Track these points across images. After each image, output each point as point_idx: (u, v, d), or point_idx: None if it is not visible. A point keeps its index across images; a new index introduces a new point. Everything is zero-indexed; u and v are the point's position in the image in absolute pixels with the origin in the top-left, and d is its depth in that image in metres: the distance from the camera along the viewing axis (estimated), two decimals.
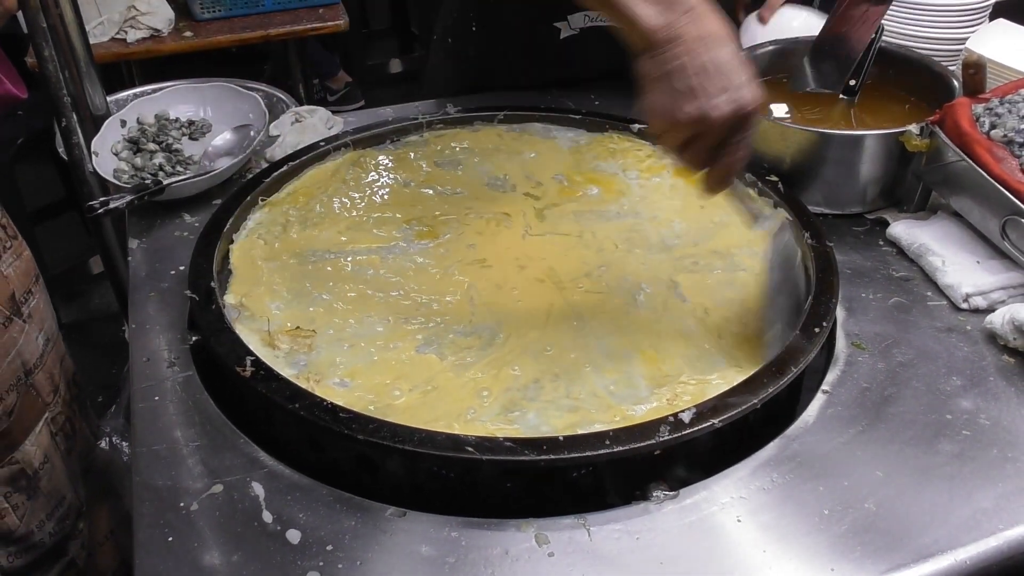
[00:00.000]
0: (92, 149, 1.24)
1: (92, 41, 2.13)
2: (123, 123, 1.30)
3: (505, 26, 1.44)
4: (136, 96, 1.77)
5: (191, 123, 1.34)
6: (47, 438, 1.08)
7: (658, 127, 0.80)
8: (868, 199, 1.17)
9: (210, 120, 1.35)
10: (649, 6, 0.75)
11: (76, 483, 1.17)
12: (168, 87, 1.46)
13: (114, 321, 2.59)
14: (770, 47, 1.33)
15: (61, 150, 1.98)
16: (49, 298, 1.21)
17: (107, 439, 1.57)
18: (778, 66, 1.32)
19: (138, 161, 1.24)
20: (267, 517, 0.78)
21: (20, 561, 1.06)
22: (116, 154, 1.26)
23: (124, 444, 1.54)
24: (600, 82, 1.46)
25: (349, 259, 1.06)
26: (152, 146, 1.27)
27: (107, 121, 1.29)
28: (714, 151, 0.80)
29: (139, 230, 1.16)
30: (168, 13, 2.37)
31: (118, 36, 2.32)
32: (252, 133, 1.28)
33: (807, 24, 1.44)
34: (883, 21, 1.32)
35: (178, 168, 1.25)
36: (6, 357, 1.05)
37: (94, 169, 1.21)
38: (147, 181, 1.19)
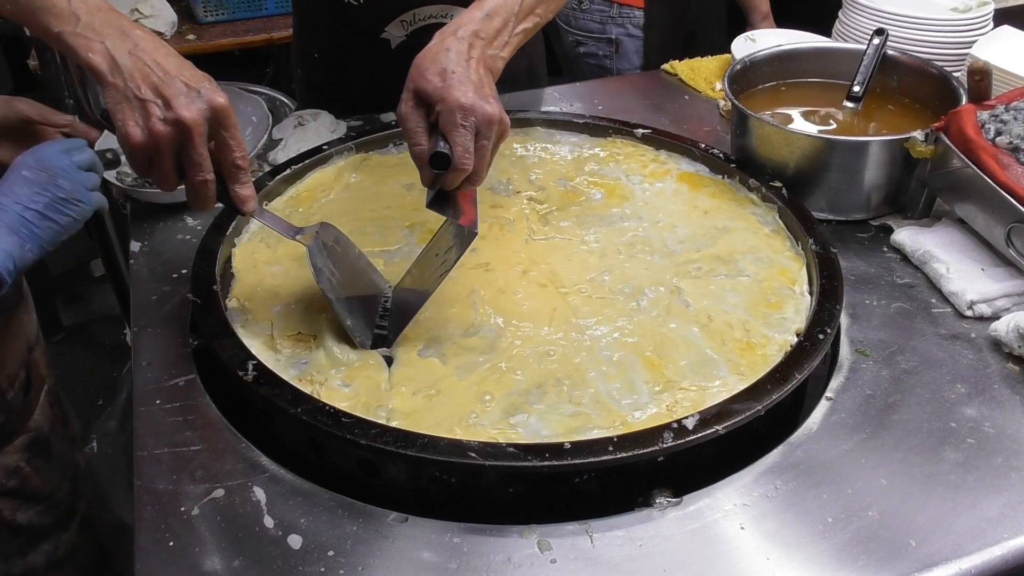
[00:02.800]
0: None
1: None
2: None
3: (339, 48, 1.38)
4: None
5: None
6: (48, 407, 1.13)
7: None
8: (872, 205, 1.17)
9: None
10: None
11: (75, 447, 1.22)
12: None
13: (115, 323, 2.58)
14: (769, 52, 1.32)
15: None
16: None
17: (94, 442, 1.61)
18: (777, 71, 1.32)
19: None
20: (268, 522, 0.77)
21: (47, 519, 1.12)
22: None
23: (110, 450, 1.58)
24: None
25: None
26: None
27: None
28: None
29: (141, 232, 1.16)
30: (171, 16, 2.37)
31: None
32: (255, 136, 1.27)
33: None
34: (888, 28, 1.32)
35: None
36: (18, 337, 1.08)
37: None
38: (150, 182, 1.19)
